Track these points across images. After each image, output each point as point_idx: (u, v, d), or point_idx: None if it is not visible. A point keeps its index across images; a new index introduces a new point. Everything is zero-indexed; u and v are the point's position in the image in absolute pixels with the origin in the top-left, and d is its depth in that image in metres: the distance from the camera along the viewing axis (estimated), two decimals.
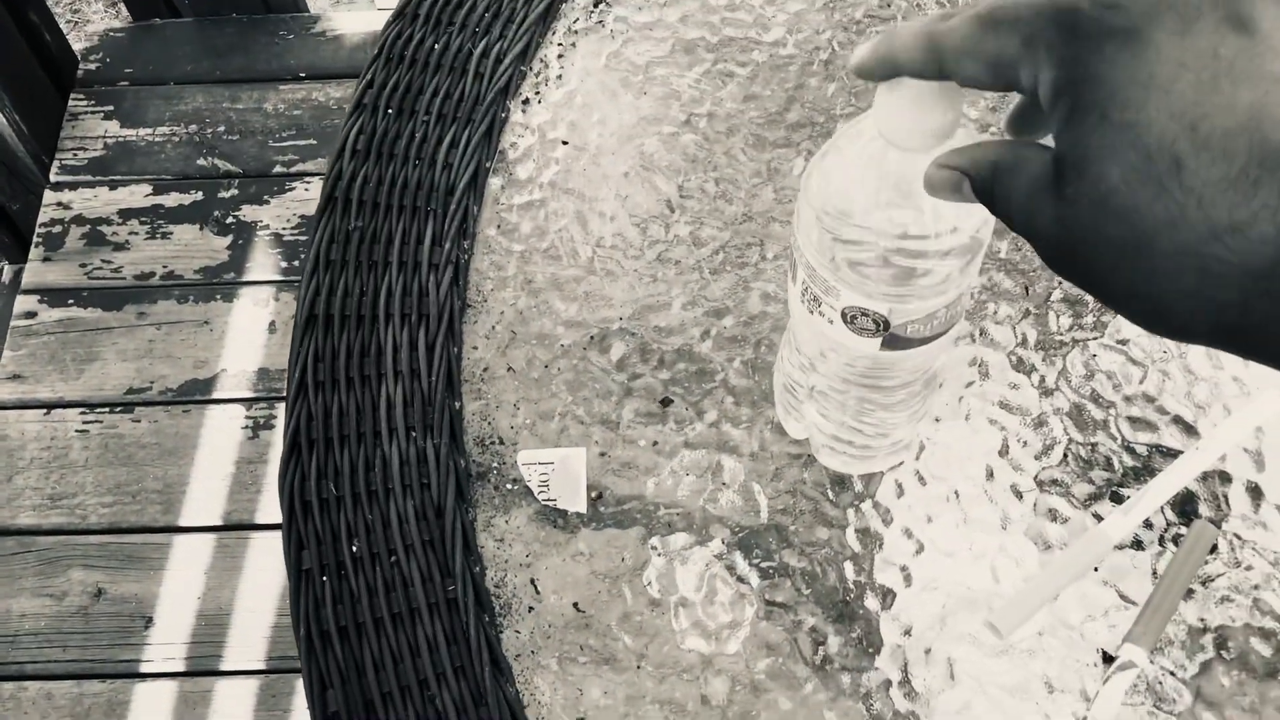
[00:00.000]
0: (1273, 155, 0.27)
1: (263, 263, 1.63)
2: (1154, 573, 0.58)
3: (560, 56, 0.75)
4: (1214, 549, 0.59)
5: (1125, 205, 0.29)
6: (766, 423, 0.63)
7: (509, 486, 0.63)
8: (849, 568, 0.59)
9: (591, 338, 0.67)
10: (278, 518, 1.44)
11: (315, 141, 1.73)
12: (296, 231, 1.66)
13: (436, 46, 0.75)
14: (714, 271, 0.68)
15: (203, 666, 1.37)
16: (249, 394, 1.54)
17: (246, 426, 1.52)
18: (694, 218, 0.69)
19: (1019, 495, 0.60)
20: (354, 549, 0.61)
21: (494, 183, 0.71)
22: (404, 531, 0.61)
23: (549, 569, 0.60)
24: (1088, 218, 0.30)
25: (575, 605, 0.60)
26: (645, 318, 0.67)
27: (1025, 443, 0.62)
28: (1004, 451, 0.61)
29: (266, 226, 1.66)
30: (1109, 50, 0.29)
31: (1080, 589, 0.58)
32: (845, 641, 0.57)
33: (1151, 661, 0.56)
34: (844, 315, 0.50)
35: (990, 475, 0.61)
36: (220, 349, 1.57)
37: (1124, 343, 0.64)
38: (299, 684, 1.35)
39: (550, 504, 0.62)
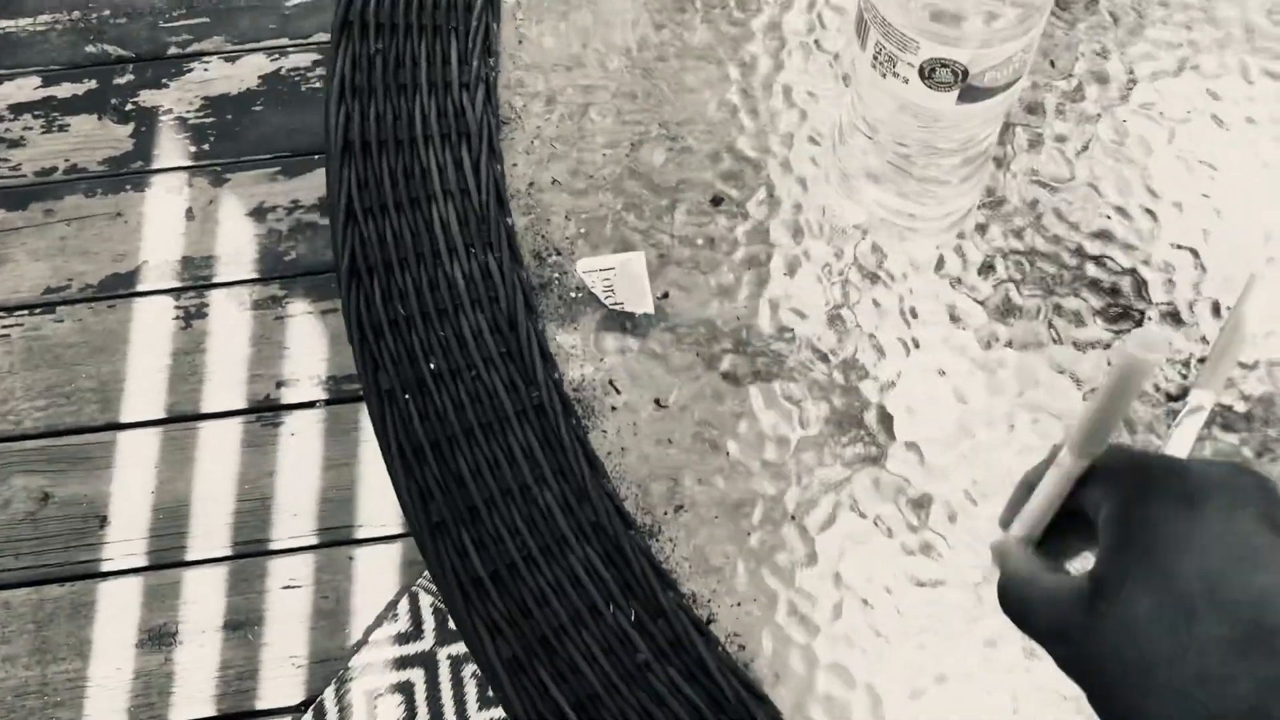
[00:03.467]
0: (1266, 634, 0.32)
1: (170, 149, 1.57)
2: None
3: None
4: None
5: (1143, 632, 0.34)
6: (821, 210, 0.64)
7: (573, 295, 0.63)
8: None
9: (632, 145, 0.66)
10: (225, 405, 1.41)
11: (208, 19, 1.66)
12: (201, 115, 1.59)
13: None
14: (745, 72, 0.68)
15: (167, 559, 1.34)
16: (176, 284, 1.49)
17: (178, 317, 1.47)
18: (715, 19, 0.69)
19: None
20: (432, 366, 0.60)
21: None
22: (480, 345, 0.61)
23: (625, 370, 0.61)
24: (1110, 633, 0.34)
25: (656, 401, 0.60)
26: (682, 121, 0.67)
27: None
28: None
29: (170, 111, 1.59)
30: (1164, 506, 0.35)
31: None
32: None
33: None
34: (922, 71, 0.51)
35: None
36: (138, 240, 1.51)
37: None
38: (270, 565, 1.34)
39: (617, 308, 0.62)
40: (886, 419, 0.60)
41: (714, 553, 0.57)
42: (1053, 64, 0.69)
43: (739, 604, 0.56)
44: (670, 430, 0.60)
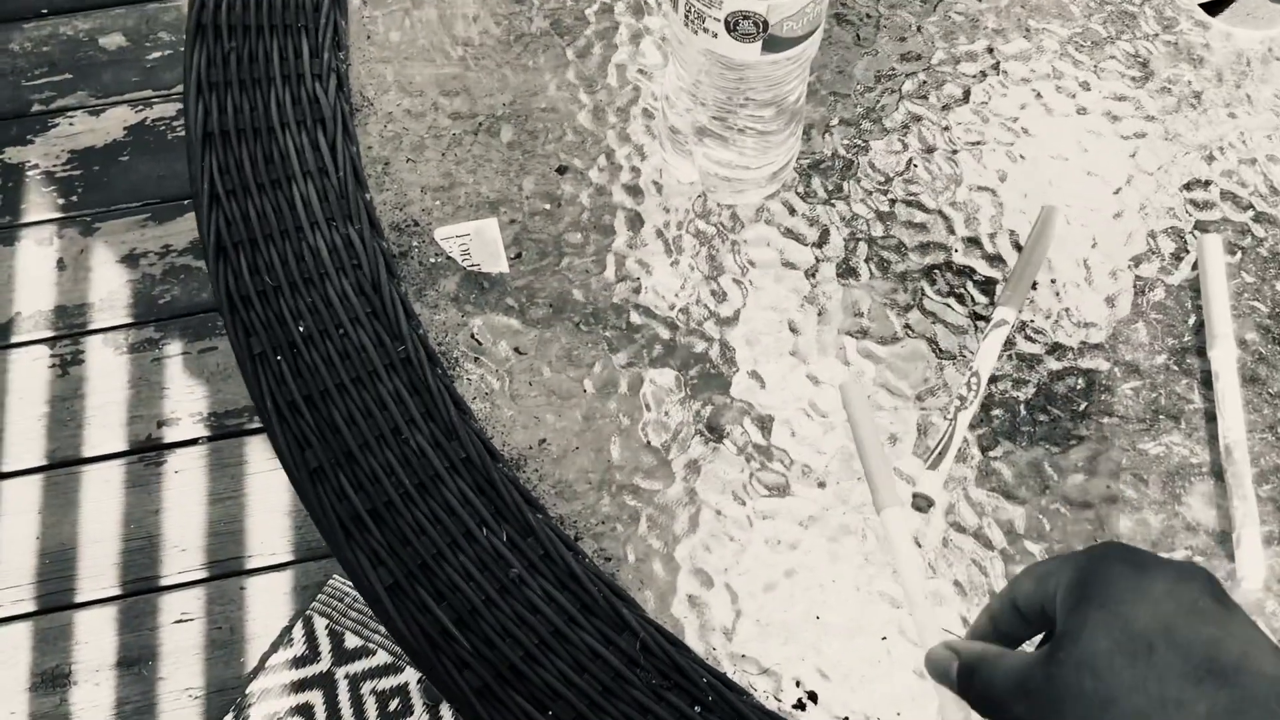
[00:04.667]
0: (1218, 667, 0.36)
1: (39, 202, 1.58)
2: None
3: None
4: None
5: (1104, 666, 0.37)
6: (658, 171, 0.70)
7: (432, 260, 0.68)
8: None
9: (480, 123, 0.72)
10: (106, 449, 1.42)
11: (71, 75, 1.67)
12: (68, 167, 1.60)
13: None
14: (580, 54, 0.74)
15: (55, 603, 1.34)
16: (50, 333, 1.49)
17: (54, 365, 1.47)
18: (550, 10, 0.75)
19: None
20: (301, 328, 0.64)
21: (354, 0, 0.75)
22: (347, 307, 0.65)
23: (485, 324, 0.66)
24: (1071, 672, 0.38)
25: (516, 349, 0.65)
26: (526, 101, 0.72)
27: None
28: None
29: (35, 166, 1.60)
30: (1120, 568, 0.39)
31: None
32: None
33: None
34: (727, 24, 0.58)
35: None
36: (10, 293, 1.52)
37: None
38: (161, 601, 1.35)
39: (474, 269, 0.67)
40: (729, 351, 0.66)
41: (577, 480, 0.62)
42: (858, 36, 0.76)
43: (603, 522, 0.61)
44: (530, 373, 0.65)
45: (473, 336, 0.66)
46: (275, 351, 0.64)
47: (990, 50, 0.76)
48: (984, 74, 0.75)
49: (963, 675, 0.44)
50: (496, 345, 0.65)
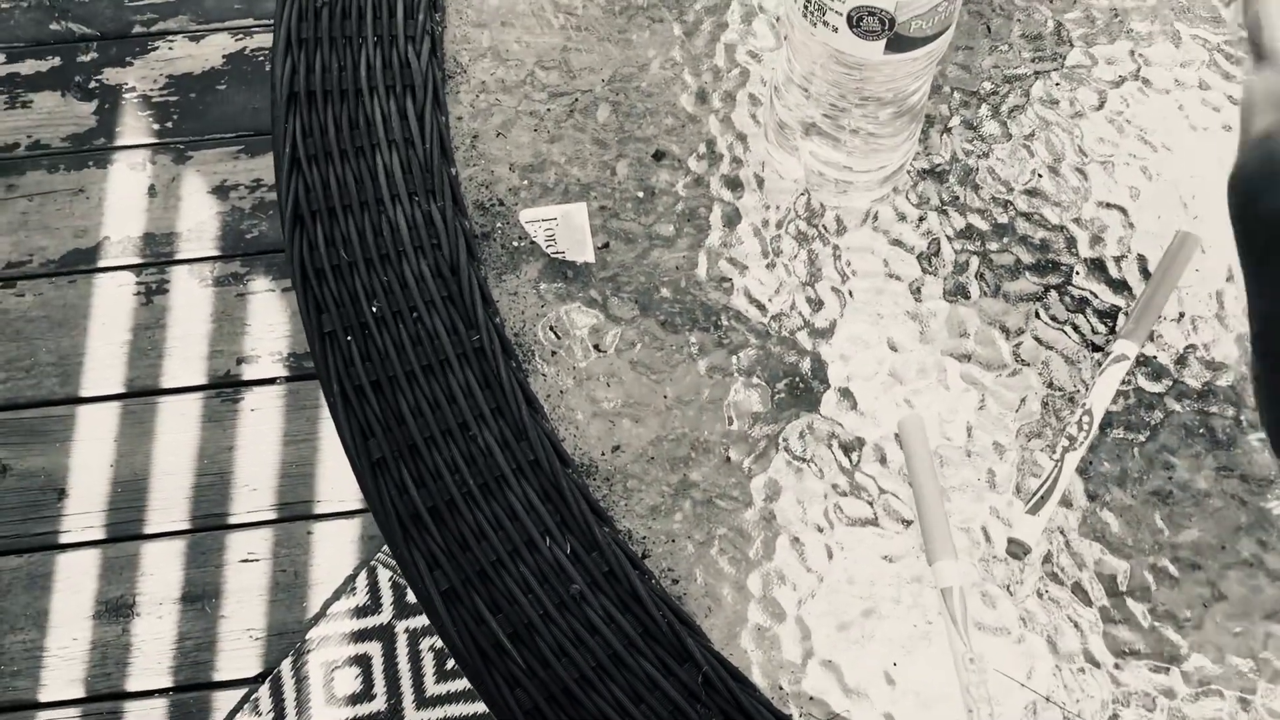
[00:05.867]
0: None
1: (134, 126, 1.57)
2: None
3: None
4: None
5: None
6: (760, 165, 0.66)
7: (515, 244, 0.64)
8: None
9: (576, 99, 0.68)
10: (185, 381, 1.41)
11: None
12: (165, 92, 1.60)
13: None
14: (688, 32, 0.70)
15: (124, 532, 1.35)
16: (137, 260, 1.49)
17: (139, 293, 1.47)
18: None
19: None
20: (374, 309, 0.61)
21: None
22: (422, 289, 0.62)
23: (565, 315, 0.62)
24: None
25: (596, 346, 0.62)
26: (626, 79, 0.68)
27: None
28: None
29: (133, 89, 1.59)
30: None
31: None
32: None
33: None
34: (850, 18, 0.53)
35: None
36: (100, 217, 1.51)
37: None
38: (228, 539, 1.35)
39: (559, 256, 0.63)
40: (821, 366, 0.62)
41: (649, 492, 0.59)
42: (989, 28, 0.71)
43: (673, 540, 0.58)
44: (608, 373, 0.61)
45: (551, 329, 0.62)
46: (346, 331, 0.61)
47: (1132, 54, 0.70)
48: (1123, 79, 0.69)
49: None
50: (576, 340, 0.62)
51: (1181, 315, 0.63)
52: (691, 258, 0.64)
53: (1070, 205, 0.66)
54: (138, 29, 1.63)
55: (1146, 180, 0.66)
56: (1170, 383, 0.61)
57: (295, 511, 1.36)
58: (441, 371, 0.60)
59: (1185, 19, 0.71)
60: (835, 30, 0.54)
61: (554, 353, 0.62)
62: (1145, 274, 0.64)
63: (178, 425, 1.40)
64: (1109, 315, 0.63)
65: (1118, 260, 0.64)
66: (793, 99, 0.62)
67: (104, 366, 1.42)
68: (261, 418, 1.41)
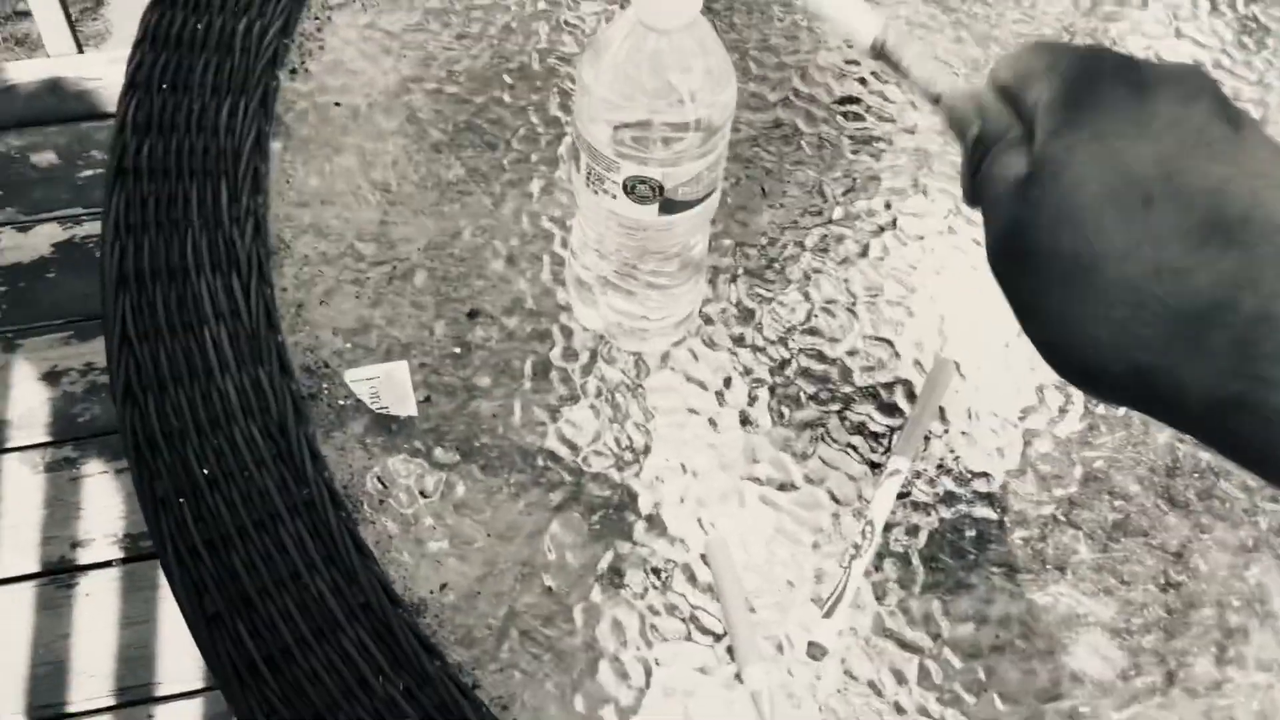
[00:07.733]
0: (1224, 223, 0.30)
1: None
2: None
3: (319, 30, 0.81)
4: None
5: (1091, 221, 0.31)
6: (566, 317, 0.72)
7: (340, 403, 0.69)
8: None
9: (394, 268, 0.73)
10: (18, 570, 1.39)
11: (1, 192, 1.68)
12: None
13: (199, 27, 0.80)
14: (495, 203, 0.76)
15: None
16: None
17: None
18: (468, 160, 0.78)
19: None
20: (205, 472, 0.65)
21: (275, 145, 0.77)
22: (252, 450, 0.66)
23: (391, 467, 0.67)
24: (1048, 225, 0.31)
25: (421, 493, 0.66)
26: (440, 247, 0.74)
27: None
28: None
29: None
30: (1118, 92, 0.32)
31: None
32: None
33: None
34: (625, 187, 0.60)
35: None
36: None
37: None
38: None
39: (383, 412, 0.68)
40: (631, 497, 0.67)
41: (477, 626, 0.63)
42: (763, 189, 0.80)
43: (501, 670, 0.62)
44: (434, 518, 0.65)
45: (378, 480, 0.66)
46: (178, 495, 0.64)
47: (888, 206, 0.79)
48: (881, 229, 0.78)
49: (977, 149, 0.36)
50: (401, 488, 0.66)
51: (945, 431, 0.71)
52: (508, 405, 0.69)
53: (844, 340, 0.74)
54: None
55: (908, 315, 0.75)
56: (940, 493, 0.69)
57: (135, 695, 1.34)
58: (273, 525, 0.64)
59: (931, 176, 0.81)
60: (614, 197, 0.61)
61: (381, 501, 0.66)
62: (911, 397, 0.72)
63: (11, 615, 1.37)
64: (883, 435, 0.70)
65: (887, 387, 0.72)
66: (588, 259, 0.68)
67: None
68: (98, 602, 1.39)
